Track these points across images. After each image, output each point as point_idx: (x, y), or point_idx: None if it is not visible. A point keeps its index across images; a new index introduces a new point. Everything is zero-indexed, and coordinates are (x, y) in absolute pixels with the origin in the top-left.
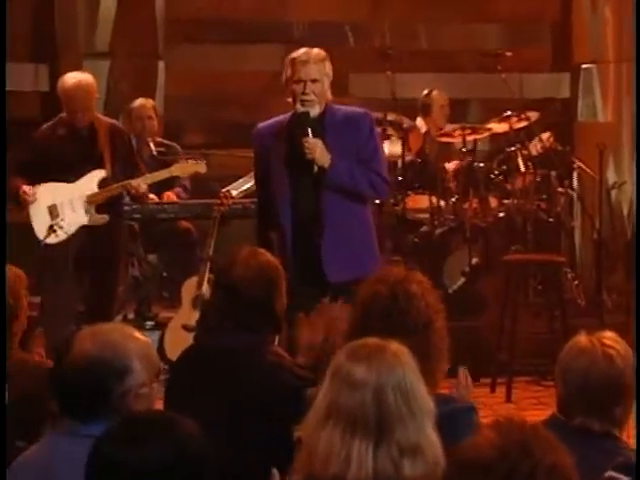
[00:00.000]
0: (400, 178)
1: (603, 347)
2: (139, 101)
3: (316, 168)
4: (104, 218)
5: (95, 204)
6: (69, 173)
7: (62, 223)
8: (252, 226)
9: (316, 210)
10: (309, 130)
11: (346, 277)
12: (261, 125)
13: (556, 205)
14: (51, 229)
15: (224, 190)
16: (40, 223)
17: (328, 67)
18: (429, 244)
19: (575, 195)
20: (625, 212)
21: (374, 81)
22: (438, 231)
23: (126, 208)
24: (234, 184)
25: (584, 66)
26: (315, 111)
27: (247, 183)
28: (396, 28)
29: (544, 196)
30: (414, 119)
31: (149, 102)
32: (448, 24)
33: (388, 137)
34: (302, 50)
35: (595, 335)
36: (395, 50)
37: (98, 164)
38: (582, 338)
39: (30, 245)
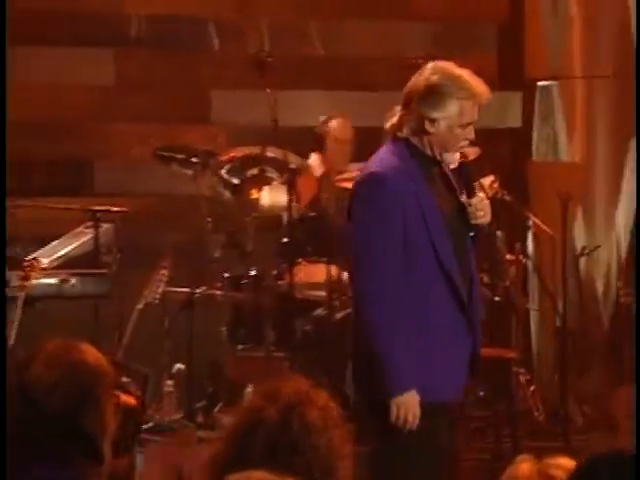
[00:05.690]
0: (285, 240)
1: None
2: None
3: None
4: None
5: None
6: None
7: None
8: (72, 308)
9: (470, 282)
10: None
11: None
12: (383, 170)
13: (503, 279)
14: None
15: (30, 258)
16: None
17: None
18: (326, 334)
19: (530, 264)
20: (600, 289)
21: (247, 101)
22: (339, 315)
23: None
24: (45, 249)
25: (541, 83)
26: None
27: (64, 247)
28: (279, 27)
29: (486, 266)
30: (306, 156)
31: None
32: (353, 22)
33: (268, 182)
34: (473, 78)
35: (543, 462)
36: (278, 58)
37: None
38: (523, 466)
39: None
